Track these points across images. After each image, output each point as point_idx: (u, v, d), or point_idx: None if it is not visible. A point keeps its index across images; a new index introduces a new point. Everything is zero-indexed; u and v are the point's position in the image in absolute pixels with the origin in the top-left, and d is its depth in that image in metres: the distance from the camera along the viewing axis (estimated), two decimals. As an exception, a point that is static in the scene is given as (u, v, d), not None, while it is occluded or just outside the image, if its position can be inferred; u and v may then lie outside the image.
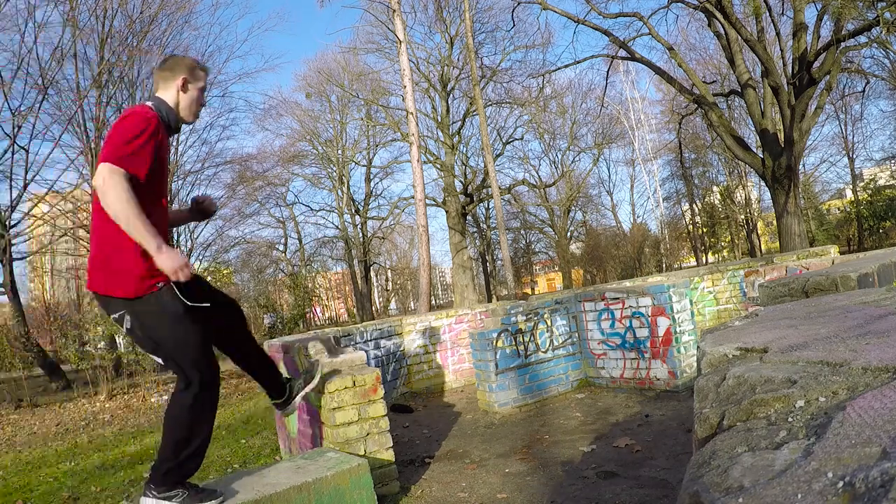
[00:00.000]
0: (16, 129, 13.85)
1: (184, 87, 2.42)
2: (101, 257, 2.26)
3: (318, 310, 37.13)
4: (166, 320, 2.28)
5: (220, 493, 2.46)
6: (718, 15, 13.75)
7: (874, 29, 11.84)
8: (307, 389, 3.02)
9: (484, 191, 23.57)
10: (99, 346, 12.09)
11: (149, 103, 2.37)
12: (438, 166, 23.14)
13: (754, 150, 16.42)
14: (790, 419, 0.71)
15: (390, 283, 43.31)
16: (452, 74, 23.52)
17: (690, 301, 5.63)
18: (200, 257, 20.69)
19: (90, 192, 15.85)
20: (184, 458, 2.35)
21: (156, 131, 2.24)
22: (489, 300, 29.40)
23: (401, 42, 12.79)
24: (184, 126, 2.63)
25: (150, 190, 2.26)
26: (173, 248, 2.22)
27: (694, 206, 35.13)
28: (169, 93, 2.42)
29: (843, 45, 12.72)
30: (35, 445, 7.22)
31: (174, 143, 19.75)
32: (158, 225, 2.23)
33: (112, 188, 2.07)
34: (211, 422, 2.45)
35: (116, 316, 2.28)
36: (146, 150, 2.20)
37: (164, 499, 2.31)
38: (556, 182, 31.30)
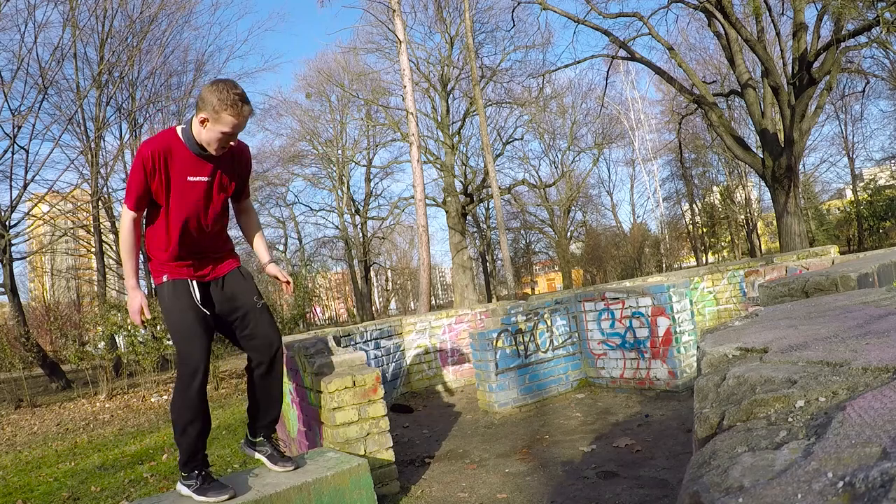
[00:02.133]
0: (16, 129, 13.86)
1: (202, 123, 2.49)
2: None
3: (319, 310, 37.12)
4: (165, 309, 2.67)
5: (230, 489, 2.58)
6: (718, 15, 13.75)
7: (874, 29, 11.84)
8: (263, 459, 2.90)
9: (484, 191, 23.57)
10: (99, 346, 12.07)
11: (176, 127, 2.61)
12: (438, 166, 23.14)
13: (754, 150, 16.42)
14: (790, 419, 0.71)
15: (390, 283, 43.32)
16: (452, 74, 23.52)
17: (690, 301, 5.63)
18: (201, 257, 20.67)
19: (89, 192, 15.87)
20: (177, 439, 2.62)
21: (143, 164, 2.46)
22: (489, 300, 29.41)
23: (401, 42, 12.79)
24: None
25: (168, 211, 2.57)
26: (140, 291, 2.65)
27: (694, 206, 35.14)
28: (195, 121, 2.52)
29: (843, 45, 12.72)
30: (35, 445, 7.22)
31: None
32: (186, 245, 2.62)
33: (120, 227, 2.54)
34: (190, 412, 2.57)
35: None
36: (133, 183, 2.51)
37: (182, 482, 2.65)
38: (556, 182, 31.30)
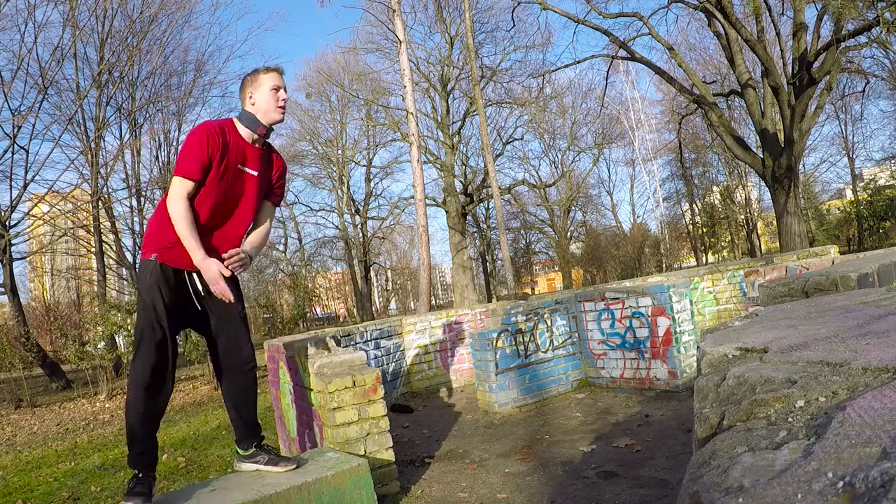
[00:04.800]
0: (16, 129, 13.87)
1: (251, 99, 2.75)
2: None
3: (318, 310, 37.12)
4: (141, 284, 2.63)
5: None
6: (718, 15, 13.75)
7: (874, 29, 11.83)
8: (262, 468, 2.81)
9: (484, 191, 23.57)
10: (99, 346, 12.07)
11: (233, 116, 2.79)
12: (438, 166, 23.14)
13: (754, 150, 16.42)
14: (790, 419, 0.71)
15: (390, 283, 43.32)
16: (452, 74, 23.52)
17: (690, 301, 5.63)
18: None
19: (89, 192, 15.87)
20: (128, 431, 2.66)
21: (207, 138, 2.56)
22: (489, 300, 29.40)
23: (401, 42, 12.79)
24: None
25: (211, 191, 2.60)
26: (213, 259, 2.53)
27: (694, 206, 35.15)
28: (247, 105, 2.77)
29: (843, 45, 12.71)
30: (35, 445, 7.22)
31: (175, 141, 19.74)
32: (206, 233, 2.60)
33: (170, 196, 2.51)
34: (144, 406, 2.56)
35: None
36: (192, 154, 2.54)
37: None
38: (556, 182, 31.31)
